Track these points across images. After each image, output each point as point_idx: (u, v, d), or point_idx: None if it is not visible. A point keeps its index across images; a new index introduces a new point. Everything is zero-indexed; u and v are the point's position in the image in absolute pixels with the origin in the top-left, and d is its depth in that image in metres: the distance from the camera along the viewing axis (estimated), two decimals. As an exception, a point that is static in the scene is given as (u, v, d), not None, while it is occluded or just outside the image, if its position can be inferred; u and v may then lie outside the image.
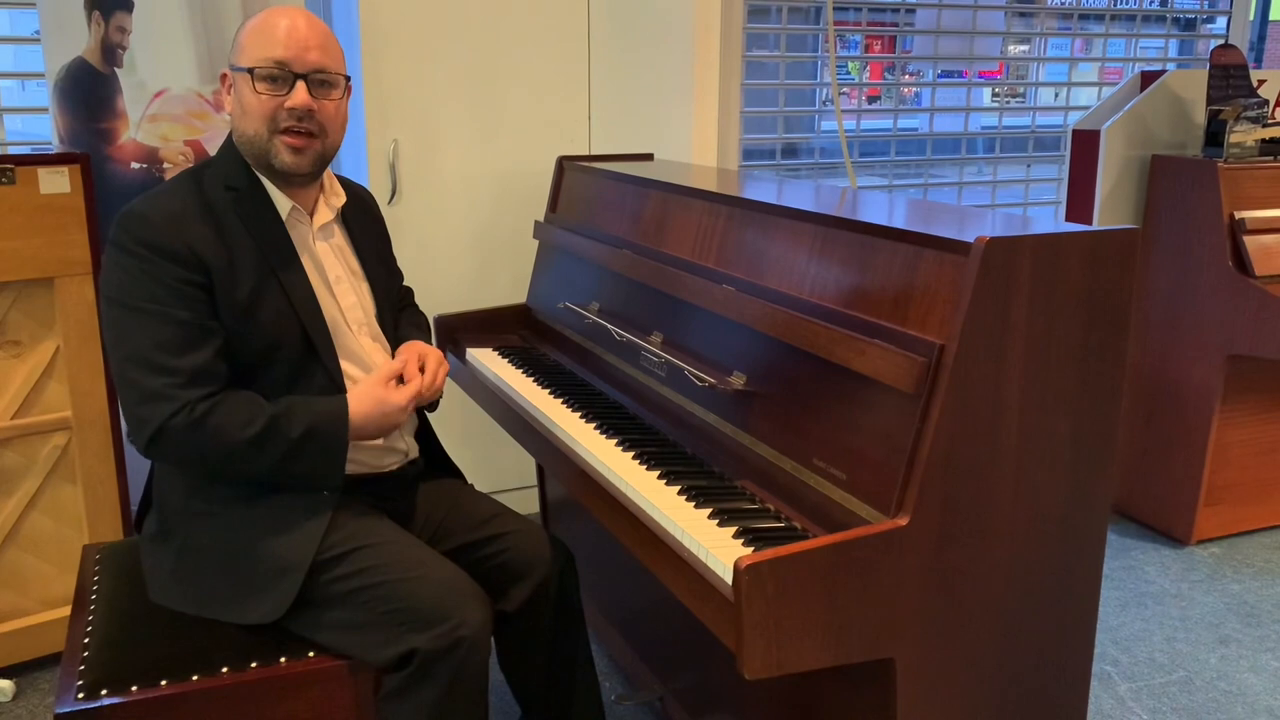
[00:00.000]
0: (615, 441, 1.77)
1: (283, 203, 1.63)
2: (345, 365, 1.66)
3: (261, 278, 1.57)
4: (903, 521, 1.32)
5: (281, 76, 1.56)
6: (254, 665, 1.52)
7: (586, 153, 3.07)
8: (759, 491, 1.57)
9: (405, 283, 2.03)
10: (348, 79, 1.65)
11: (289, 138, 1.58)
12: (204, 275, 1.52)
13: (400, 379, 1.66)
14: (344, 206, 1.76)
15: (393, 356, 1.76)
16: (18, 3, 2.78)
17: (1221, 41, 3.99)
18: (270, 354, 1.58)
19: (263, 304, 1.57)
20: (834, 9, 3.49)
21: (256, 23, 1.59)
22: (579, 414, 1.92)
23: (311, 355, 1.61)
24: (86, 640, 1.58)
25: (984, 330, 1.33)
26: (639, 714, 2.26)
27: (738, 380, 1.69)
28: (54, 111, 2.60)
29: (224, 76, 1.63)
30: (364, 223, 1.82)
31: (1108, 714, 2.31)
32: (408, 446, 1.77)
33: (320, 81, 1.60)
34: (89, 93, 2.59)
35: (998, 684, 1.48)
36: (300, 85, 1.57)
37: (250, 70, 1.56)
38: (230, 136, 1.65)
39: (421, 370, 1.69)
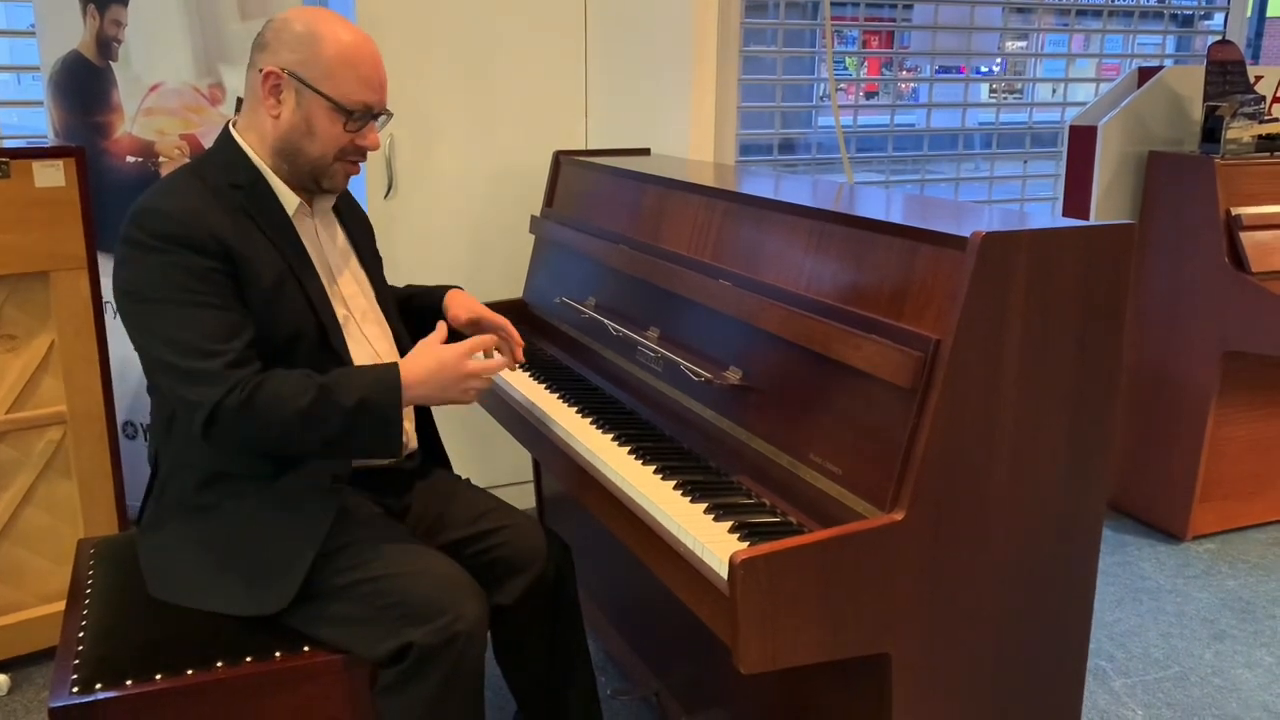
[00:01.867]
0: (611, 437, 1.77)
1: (289, 199, 1.63)
2: (355, 353, 1.66)
3: (279, 272, 1.57)
4: (898, 516, 1.32)
5: (365, 117, 1.61)
6: (249, 659, 1.52)
7: (583, 147, 3.06)
8: (755, 486, 1.57)
9: (400, 280, 2.03)
10: None
11: (350, 166, 1.65)
12: (230, 264, 1.51)
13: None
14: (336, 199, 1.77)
15: (402, 332, 1.80)
16: (12, -4, 2.77)
17: (1219, 38, 3.99)
18: (291, 346, 1.58)
19: (282, 298, 1.57)
20: (831, 4, 3.49)
21: (342, 48, 1.57)
22: (575, 409, 1.92)
23: (326, 347, 1.62)
24: (81, 634, 1.57)
25: (980, 325, 1.33)
26: (635, 708, 2.26)
27: (734, 375, 1.69)
28: (49, 105, 2.60)
29: (273, 75, 1.57)
30: (352, 214, 1.84)
31: (1103, 709, 2.32)
32: (407, 437, 1.76)
33: (383, 117, 1.66)
34: (84, 86, 2.59)
35: (993, 679, 1.48)
36: (373, 125, 1.63)
37: (341, 106, 1.57)
38: (228, 132, 1.64)
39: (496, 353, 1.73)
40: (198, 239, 1.49)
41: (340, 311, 1.67)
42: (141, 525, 1.68)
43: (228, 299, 1.50)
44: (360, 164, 1.67)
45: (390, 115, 1.67)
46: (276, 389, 1.46)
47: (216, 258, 1.50)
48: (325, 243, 1.70)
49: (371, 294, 1.78)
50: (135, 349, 1.52)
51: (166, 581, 1.61)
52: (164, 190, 1.55)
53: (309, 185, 1.64)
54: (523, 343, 1.82)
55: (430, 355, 1.55)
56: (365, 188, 2.77)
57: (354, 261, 1.77)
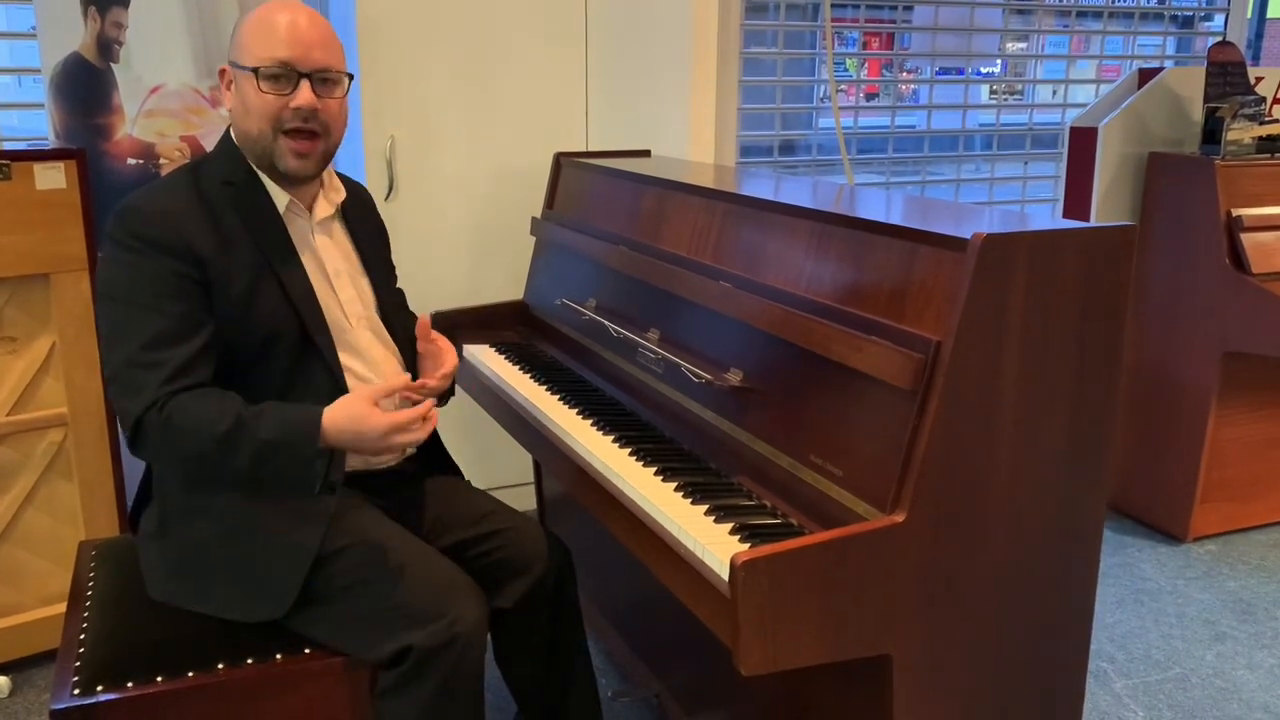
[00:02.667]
0: (612, 438, 1.77)
1: (280, 197, 1.63)
2: (345, 359, 1.66)
3: (258, 272, 1.57)
4: (899, 518, 1.32)
5: (285, 76, 1.55)
6: (250, 662, 1.52)
7: (584, 149, 3.06)
8: (755, 488, 1.57)
9: (401, 282, 2.02)
10: (350, 76, 1.64)
11: (293, 141, 1.57)
12: (198, 269, 1.52)
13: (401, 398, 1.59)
14: (344, 202, 1.76)
15: (403, 353, 1.76)
16: (13, -2, 2.77)
17: (1219, 39, 3.99)
18: (268, 348, 1.58)
19: (259, 298, 1.57)
20: (831, 6, 3.49)
21: (257, 19, 1.57)
22: (576, 411, 1.92)
23: (310, 349, 1.61)
24: (82, 636, 1.57)
25: (981, 326, 1.33)
26: (636, 710, 2.26)
27: (734, 377, 1.69)
28: (50, 107, 2.60)
29: (223, 72, 1.62)
30: (363, 220, 1.82)
31: (1104, 711, 2.31)
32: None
33: (324, 80, 1.59)
34: (85, 88, 2.59)
35: (994, 680, 1.48)
36: (304, 85, 1.56)
37: (254, 69, 1.55)
38: (228, 132, 1.65)
39: (418, 400, 1.58)
40: (166, 241, 1.50)
41: (334, 315, 1.66)
42: (139, 528, 1.68)
43: (189, 305, 1.50)
44: (307, 137, 1.58)
45: (343, 76, 1.60)
46: (198, 412, 1.44)
47: (184, 262, 1.50)
48: (322, 245, 1.70)
49: (372, 302, 1.76)
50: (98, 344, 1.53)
51: (165, 585, 1.61)
52: (149, 190, 1.57)
53: (271, 174, 1.62)
54: (447, 367, 1.66)
55: (351, 406, 1.46)
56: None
57: (356, 268, 1.76)
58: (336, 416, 1.46)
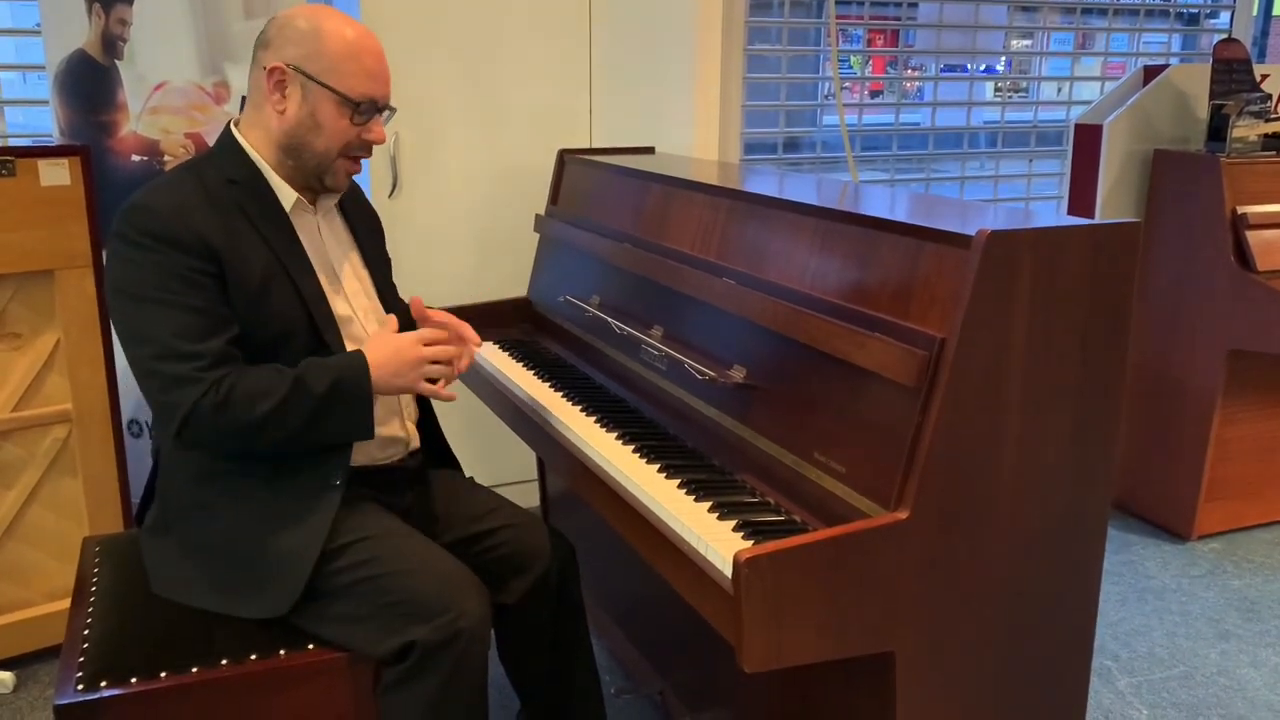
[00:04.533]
0: (616, 435, 1.77)
1: (287, 195, 1.63)
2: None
3: (269, 269, 1.57)
4: (903, 515, 1.32)
5: (371, 110, 1.61)
6: (253, 658, 1.52)
7: (588, 146, 3.06)
8: (759, 485, 1.57)
9: (405, 279, 2.03)
10: None
11: (351, 163, 1.64)
12: (214, 264, 1.52)
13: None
14: (342, 195, 1.76)
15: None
16: (18, -5, 2.77)
17: (1224, 36, 3.98)
18: (280, 344, 1.58)
19: (272, 294, 1.57)
20: (836, 3, 3.49)
21: (349, 43, 1.57)
22: (579, 408, 1.92)
23: (320, 345, 1.61)
24: (86, 632, 1.58)
25: (985, 324, 1.33)
26: (639, 707, 2.26)
27: (738, 374, 1.69)
28: (54, 104, 2.60)
29: (278, 70, 1.57)
30: (359, 212, 1.83)
31: (1108, 709, 2.31)
32: (408, 435, 1.76)
33: (386, 112, 1.65)
34: (89, 85, 2.59)
35: (997, 678, 1.48)
36: (379, 119, 1.63)
37: (348, 99, 1.57)
38: (228, 129, 1.64)
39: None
40: (182, 237, 1.49)
41: (342, 310, 1.67)
42: (145, 524, 1.69)
43: (209, 299, 1.50)
44: (362, 161, 1.67)
45: (394, 111, 1.67)
46: (251, 387, 1.48)
47: (200, 257, 1.50)
48: (327, 239, 1.70)
49: (374, 293, 1.77)
50: (120, 344, 1.53)
51: (169, 581, 1.61)
52: (155, 187, 1.56)
53: (313, 184, 1.64)
54: (477, 338, 1.75)
55: (386, 343, 1.59)
56: (370, 186, 2.77)
57: (357, 259, 1.76)
58: (375, 352, 1.56)
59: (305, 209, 1.67)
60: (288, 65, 1.57)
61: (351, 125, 1.60)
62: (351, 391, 1.53)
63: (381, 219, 1.93)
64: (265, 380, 1.49)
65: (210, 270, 1.51)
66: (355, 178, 1.73)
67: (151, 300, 1.48)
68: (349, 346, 1.65)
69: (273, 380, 1.49)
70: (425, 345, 1.59)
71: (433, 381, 1.61)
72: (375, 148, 1.67)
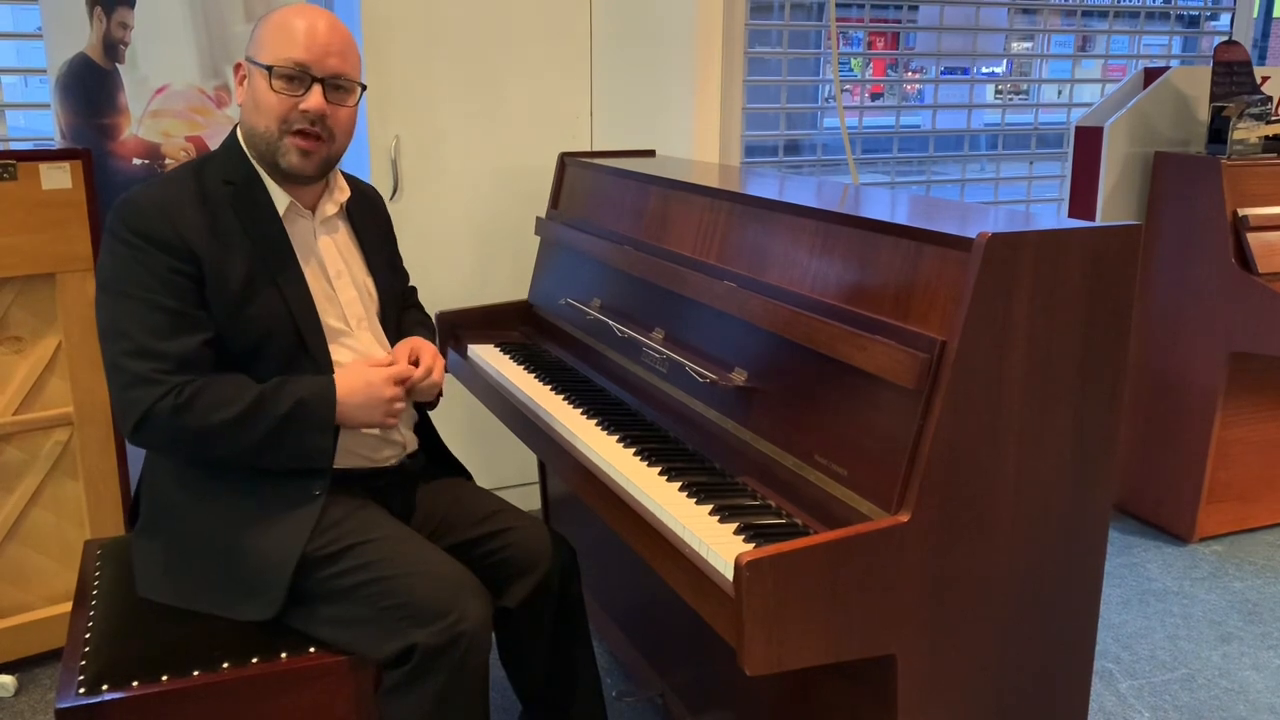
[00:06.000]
0: (617, 438, 1.77)
1: (280, 198, 1.63)
2: (342, 361, 1.66)
3: (254, 271, 1.57)
4: (904, 518, 1.32)
5: (299, 78, 1.56)
6: (255, 661, 1.52)
7: (588, 149, 3.07)
8: (760, 488, 1.57)
9: (409, 281, 2.02)
10: (363, 86, 1.65)
11: (299, 140, 1.58)
12: (194, 265, 1.52)
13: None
14: (349, 202, 1.76)
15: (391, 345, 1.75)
16: (20, -2, 2.77)
17: (1225, 38, 3.98)
18: (261, 348, 1.58)
19: (254, 298, 1.57)
20: (836, 5, 3.49)
21: (279, 19, 1.58)
22: (580, 410, 1.92)
23: (303, 350, 1.61)
24: (87, 635, 1.58)
25: (986, 326, 1.33)
26: (640, 710, 2.26)
27: (739, 376, 1.69)
28: (56, 107, 2.60)
29: (239, 66, 1.63)
30: (369, 220, 1.82)
31: (1109, 711, 2.31)
32: (405, 440, 1.76)
33: (336, 87, 1.60)
34: (91, 88, 2.59)
35: (999, 681, 1.48)
36: (316, 89, 1.57)
37: (269, 67, 1.56)
38: (234, 131, 1.65)
39: (415, 364, 1.68)
40: (164, 236, 1.50)
41: (331, 319, 1.66)
42: (136, 526, 1.68)
43: (185, 301, 1.51)
44: (313, 138, 1.58)
45: (355, 86, 1.62)
46: (213, 396, 1.48)
47: (180, 258, 1.51)
48: (324, 246, 1.69)
49: (373, 303, 1.76)
50: (98, 335, 1.54)
51: (154, 582, 1.61)
52: (150, 184, 1.57)
53: (274, 173, 1.63)
54: (438, 380, 1.70)
55: (359, 374, 1.59)
56: (371, 189, 2.77)
57: (358, 267, 1.76)
58: (346, 383, 1.57)
59: (300, 214, 1.66)
60: (244, 59, 1.61)
61: (281, 94, 1.56)
62: (313, 416, 1.53)
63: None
64: (229, 391, 1.50)
65: (189, 271, 1.52)
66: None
67: (128, 296, 1.49)
68: (341, 356, 1.65)
69: (236, 392, 1.50)
70: (392, 374, 1.60)
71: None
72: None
